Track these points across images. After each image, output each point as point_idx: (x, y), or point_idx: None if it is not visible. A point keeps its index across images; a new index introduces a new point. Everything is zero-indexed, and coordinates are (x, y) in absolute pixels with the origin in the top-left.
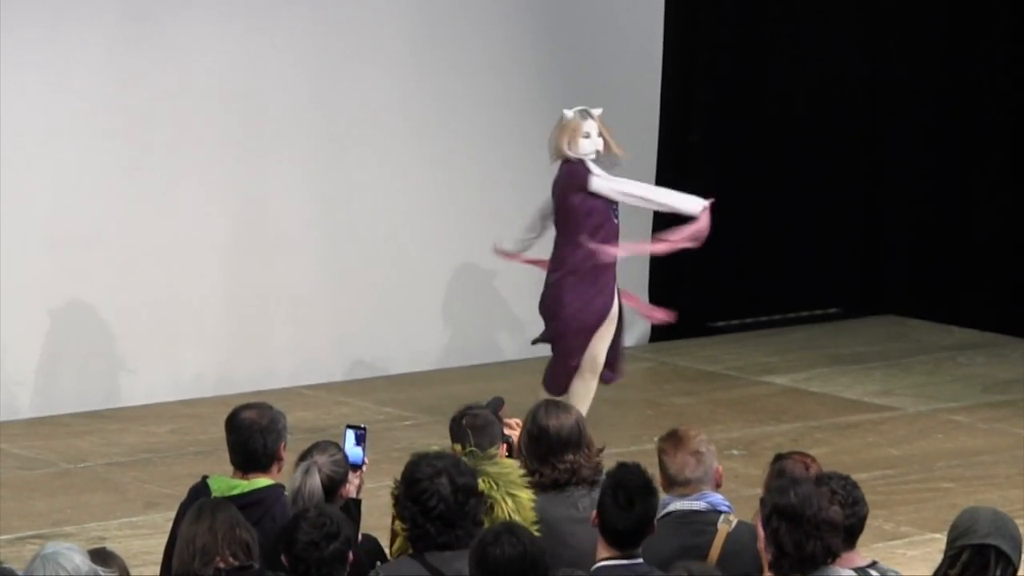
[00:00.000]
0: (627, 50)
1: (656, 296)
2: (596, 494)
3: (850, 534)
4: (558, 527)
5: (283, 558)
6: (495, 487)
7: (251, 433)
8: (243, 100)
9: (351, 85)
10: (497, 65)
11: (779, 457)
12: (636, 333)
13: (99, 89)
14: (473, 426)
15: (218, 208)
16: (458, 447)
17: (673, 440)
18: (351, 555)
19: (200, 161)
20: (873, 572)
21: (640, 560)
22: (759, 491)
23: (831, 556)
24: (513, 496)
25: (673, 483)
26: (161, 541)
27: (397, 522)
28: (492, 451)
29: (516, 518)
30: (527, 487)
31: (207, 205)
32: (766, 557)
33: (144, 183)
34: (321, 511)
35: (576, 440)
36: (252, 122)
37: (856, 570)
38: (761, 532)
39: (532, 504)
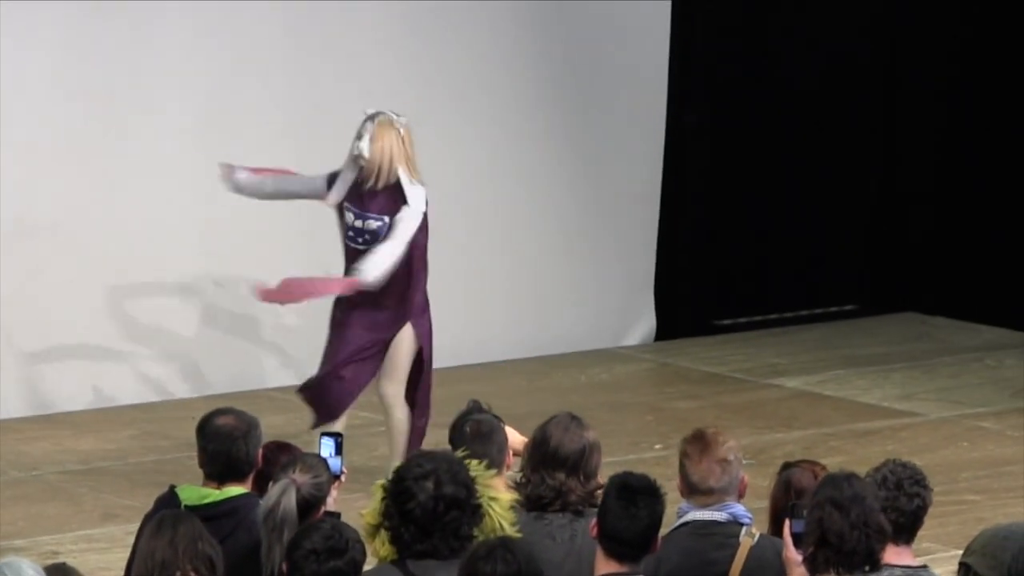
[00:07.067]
0: (633, 33)
1: (660, 293)
2: (580, 524)
3: (908, 527)
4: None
5: (284, 564)
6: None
7: (233, 440)
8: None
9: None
10: (500, 51)
11: (787, 466)
12: (638, 333)
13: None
14: (478, 433)
15: None
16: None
17: (699, 445)
18: None
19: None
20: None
21: None
22: (768, 503)
23: (870, 562)
24: (494, 499)
25: (694, 491)
26: (119, 555)
27: (367, 512)
28: (499, 460)
29: (495, 515)
30: (507, 488)
31: None
32: (794, 562)
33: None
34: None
35: (575, 463)
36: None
37: (905, 568)
38: (788, 540)
39: (511, 503)
